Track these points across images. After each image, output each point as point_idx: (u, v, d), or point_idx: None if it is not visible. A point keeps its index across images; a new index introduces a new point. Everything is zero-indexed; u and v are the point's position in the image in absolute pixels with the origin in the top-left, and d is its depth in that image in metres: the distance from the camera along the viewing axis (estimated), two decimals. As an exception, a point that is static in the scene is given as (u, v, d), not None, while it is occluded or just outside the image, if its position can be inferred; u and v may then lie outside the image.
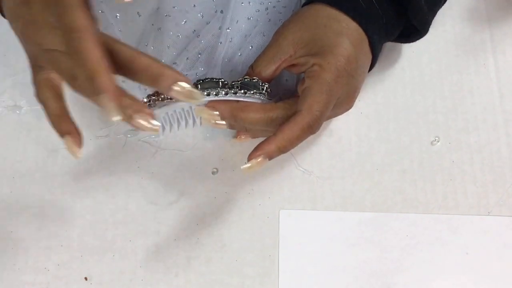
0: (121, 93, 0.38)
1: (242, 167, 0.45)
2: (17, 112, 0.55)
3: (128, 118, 0.38)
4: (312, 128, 0.45)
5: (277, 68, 0.48)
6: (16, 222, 0.52)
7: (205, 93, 0.45)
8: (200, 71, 0.52)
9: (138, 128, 0.38)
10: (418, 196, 0.53)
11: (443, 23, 0.59)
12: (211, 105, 0.46)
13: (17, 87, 0.56)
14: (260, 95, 0.47)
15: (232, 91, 0.46)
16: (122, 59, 0.38)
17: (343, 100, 0.48)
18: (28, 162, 0.54)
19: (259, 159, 0.44)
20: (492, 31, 0.59)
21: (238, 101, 0.46)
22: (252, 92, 0.46)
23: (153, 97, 0.46)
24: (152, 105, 0.46)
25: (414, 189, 0.53)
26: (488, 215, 0.52)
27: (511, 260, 0.51)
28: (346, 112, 0.55)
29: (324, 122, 0.54)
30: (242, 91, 0.46)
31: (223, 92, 0.45)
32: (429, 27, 0.52)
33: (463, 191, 0.53)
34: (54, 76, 0.43)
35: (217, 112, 0.46)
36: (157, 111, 0.46)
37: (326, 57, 0.46)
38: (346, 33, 0.47)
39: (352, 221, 0.52)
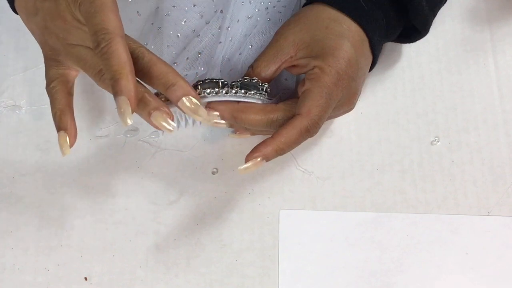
0: (143, 92, 0.40)
1: (239, 167, 0.45)
2: (17, 112, 0.55)
3: (146, 116, 0.40)
4: (310, 131, 0.45)
5: (277, 68, 0.48)
6: (16, 222, 0.52)
7: (206, 93, 0.45)
8: (200, 71, 0.52)
9: (156, 127, 0.41)
10: (418, 196, 0.53)
11: (443, 23, 0.59)
12: (211, 106, 0.46)
13: (17, 87, 0.56)
14: (260, 95, 0.47)
15: (233, 91, 0.45)
16: (141, 64, 0.41)
17: (343, 102, 0.48)
18: (28, 162, 0.54)
19: (256, 160, 0.45)
20: (492, 31, 0.59)
21: (238, 101, 0.46)
22: (252, 92, 0.46)
23: None
24: None
25: (414, 189, 0.53)
26: (488, 215, 0.52)
27: (511, 260, 0.51)
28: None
29: (325, 123, 0.54)
30: (242, 91, 0.46)
31: (223, 91, 0.45)
32: (429, 27, 0.52)
33: (463, 191, 0.53)
34: (70, 73, 0.45)
35: (217, 113, 0.46)
36: None
37: (327, 59, 0.46)
38: (347, 35, 0.47)
39: (352, 221, 0.52)
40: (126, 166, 0.54)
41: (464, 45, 0.58)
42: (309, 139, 0.54)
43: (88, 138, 0.54)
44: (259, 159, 0.44)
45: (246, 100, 0.46)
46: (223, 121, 0.46)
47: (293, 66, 0.48)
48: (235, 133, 0.51)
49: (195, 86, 0.45)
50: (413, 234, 0.52)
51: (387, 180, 0.53)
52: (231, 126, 0.48)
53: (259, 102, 0.47)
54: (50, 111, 0.54)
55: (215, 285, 0.50)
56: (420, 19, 0.50)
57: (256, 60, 0.48)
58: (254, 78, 0.47)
